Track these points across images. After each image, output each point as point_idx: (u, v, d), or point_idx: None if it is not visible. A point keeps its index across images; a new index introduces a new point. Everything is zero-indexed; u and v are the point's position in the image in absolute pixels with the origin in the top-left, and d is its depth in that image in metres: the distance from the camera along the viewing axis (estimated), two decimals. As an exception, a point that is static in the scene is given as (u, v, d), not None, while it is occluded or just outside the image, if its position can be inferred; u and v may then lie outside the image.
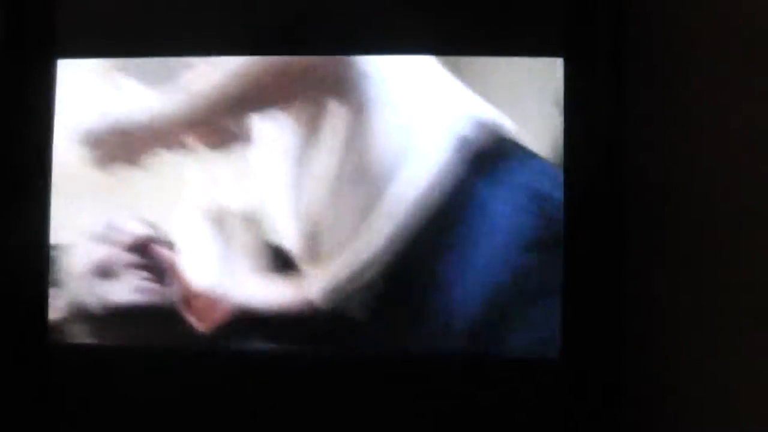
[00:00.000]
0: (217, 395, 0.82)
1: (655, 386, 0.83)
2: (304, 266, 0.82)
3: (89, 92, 0.86)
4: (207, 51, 0.84)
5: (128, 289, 0.82)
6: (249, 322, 0.82)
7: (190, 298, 0.83)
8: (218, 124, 0.84)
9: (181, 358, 0.83)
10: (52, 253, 0.84)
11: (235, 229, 0.84)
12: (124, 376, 0.83)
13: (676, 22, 0.83)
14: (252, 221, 0.84)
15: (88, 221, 0.85)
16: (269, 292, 0.83)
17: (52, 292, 0.84)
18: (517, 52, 0.81)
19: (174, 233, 0.84)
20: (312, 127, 0.84)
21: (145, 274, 0.83)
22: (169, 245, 0.84)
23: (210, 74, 0.84)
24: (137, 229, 0.83)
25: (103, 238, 0.84)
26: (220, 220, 0.85)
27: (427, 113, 0.82)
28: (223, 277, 0.84)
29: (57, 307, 0.84)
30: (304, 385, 0.82)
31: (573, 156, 0.79)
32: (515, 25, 0.81)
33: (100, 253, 0.83)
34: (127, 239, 0.83)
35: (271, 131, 0.84)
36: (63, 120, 0.85)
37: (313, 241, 0.82)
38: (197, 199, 0.85)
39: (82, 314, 0.84)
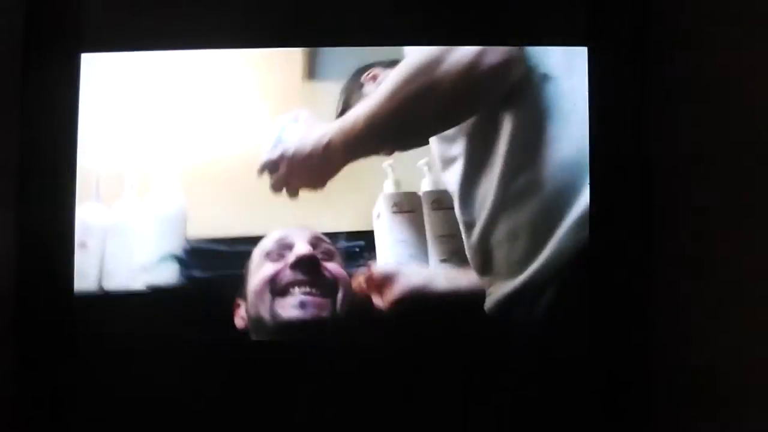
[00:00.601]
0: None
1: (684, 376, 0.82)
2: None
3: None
4: (233, 43, 0.86)
5: (292, 305, 0.85)
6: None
7: (374, 278, 0.91)
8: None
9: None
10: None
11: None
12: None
13: (700, 9, 0.82)
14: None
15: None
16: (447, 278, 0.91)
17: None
18: (542, 41, 0.83)
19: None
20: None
21: (308, 289, 0.86)
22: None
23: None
24: (302, 249, 0.87)
25: (274, 255, 0.89)
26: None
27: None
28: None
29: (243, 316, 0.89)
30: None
31: (598, 148, 0.80)
32: (540, 14, 0.83)
33: (270, 269, 0.87)
34: (292, 258, 0.87)
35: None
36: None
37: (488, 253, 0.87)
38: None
39: (261, 326, 0.86)
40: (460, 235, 0.94)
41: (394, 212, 1.06)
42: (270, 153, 0.89)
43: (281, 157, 0.88)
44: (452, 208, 0.99)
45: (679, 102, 0.83)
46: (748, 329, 0.72)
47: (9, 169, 0.83)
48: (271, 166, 0.89)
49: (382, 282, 0.90)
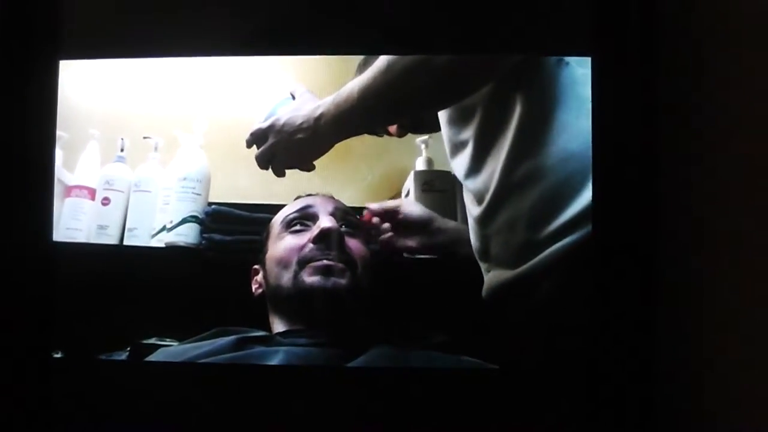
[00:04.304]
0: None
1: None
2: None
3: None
4: (211, 51, 0.84)
5: (313, 276, 0.81)
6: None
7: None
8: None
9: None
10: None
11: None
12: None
13: (707, 18, 0.78)
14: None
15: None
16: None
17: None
18: (546, 50, 0.80)
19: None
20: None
21: (328, 263, 0.82)
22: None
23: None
24: (325, 222, 0.85)
25: (296, 225, 0.87)
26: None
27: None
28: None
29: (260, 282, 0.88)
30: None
31: (602, 156, 0.76)
32: (544, 23, 0.80)
33: (293, 242, 0.85)
34: (315, 231, 0.84)
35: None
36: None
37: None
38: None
39: (279, 294, 0.84)
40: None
41: (424, 190, 1.03)
42: (260, 124, 0.86)
43: (270, 128, 0.85)
44: (443, 191, 0.99)
45: (686, 106, 0.78)
46: (752, 329, 0.68)
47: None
48: (259, 136, 0.86)
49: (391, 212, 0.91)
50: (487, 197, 0.82)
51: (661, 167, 0.77)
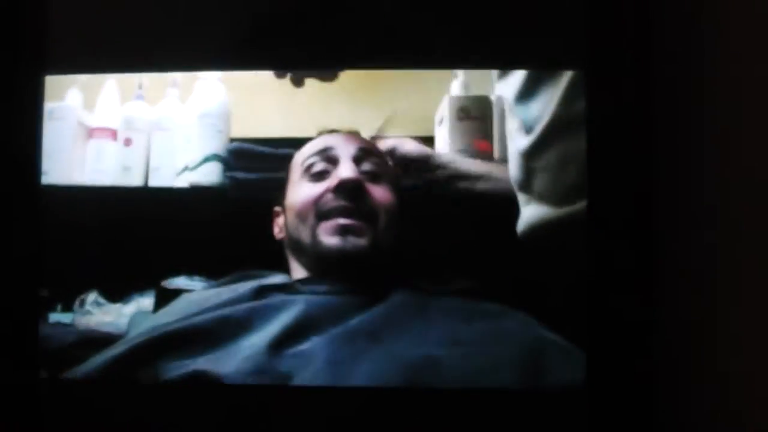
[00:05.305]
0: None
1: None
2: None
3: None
4: (198, 66, 0.85)
5: (333, 232, 0.79)
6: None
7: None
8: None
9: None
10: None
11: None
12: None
13: (702, 34, 0.74)
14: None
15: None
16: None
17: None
18: (539, 65, 0.79)
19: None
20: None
21: (349, 220, 0.79)
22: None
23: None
24: (346, 171, 0.80)
25: (316, 171, 0.83)
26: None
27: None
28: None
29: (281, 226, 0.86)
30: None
31: (597, 174, 0.76)
32: (537, 38, 0.79)
33: (312, 191, 0.81)
34: (335, 181, 0.80)
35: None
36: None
37: None
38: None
39: (298, 246, 0.82)
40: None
41: (460, 118, 0.96)
42: None
43: None
44: (481, 118, 0.90)
45: (681, 122, 0.76)
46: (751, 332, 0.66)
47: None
48: None
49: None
50: (539, 128, 0.76)
51: (656, 177, 0.76)
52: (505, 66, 0.81)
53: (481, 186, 0.84)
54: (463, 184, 0.84)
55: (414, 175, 0.87)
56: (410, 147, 0.88)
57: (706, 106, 0.72)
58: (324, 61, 0.83)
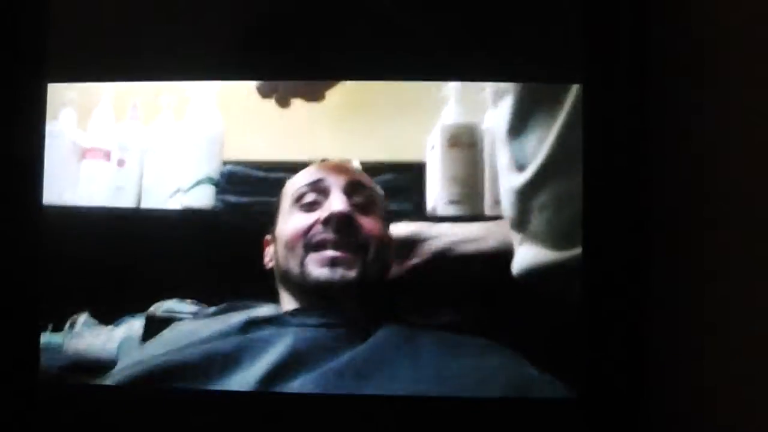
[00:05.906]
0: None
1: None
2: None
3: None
4: (200, 76, 0.85)
5: (322, 263, 0.80)
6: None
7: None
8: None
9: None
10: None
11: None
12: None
13: (701, 48, 0.75)
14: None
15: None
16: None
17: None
18: (535, 78, 0.78)
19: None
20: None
21: (338, 252, 0.80)
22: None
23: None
24: (337, 204, 0.81)
25: (306, 201, 0.84)
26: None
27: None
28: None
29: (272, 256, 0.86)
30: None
31: (592, 185, 0.76)
32: (533, 50, 0.79)
33: (302, 222, 0.82)
34: (325, 213, 0.81)
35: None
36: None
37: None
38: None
39: (288, 277, 0.83)
40: (475, 180, 0.86)
41: (452, 146, 0.96)
42: None
43: None
44: (473, 146, 0.90)
45: (677, 135, 0.77)
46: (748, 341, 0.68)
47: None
48: None
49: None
50: (534, 165, 0.76)
51: (651, 187, 0.76)
52: (501, 79, 0.80)
53: (476, 247, 0.83)
54: (458, 251, 0.84)
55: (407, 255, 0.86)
56: (399, 231, 0.86)
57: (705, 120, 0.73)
58: (311, 73, 0.83)
